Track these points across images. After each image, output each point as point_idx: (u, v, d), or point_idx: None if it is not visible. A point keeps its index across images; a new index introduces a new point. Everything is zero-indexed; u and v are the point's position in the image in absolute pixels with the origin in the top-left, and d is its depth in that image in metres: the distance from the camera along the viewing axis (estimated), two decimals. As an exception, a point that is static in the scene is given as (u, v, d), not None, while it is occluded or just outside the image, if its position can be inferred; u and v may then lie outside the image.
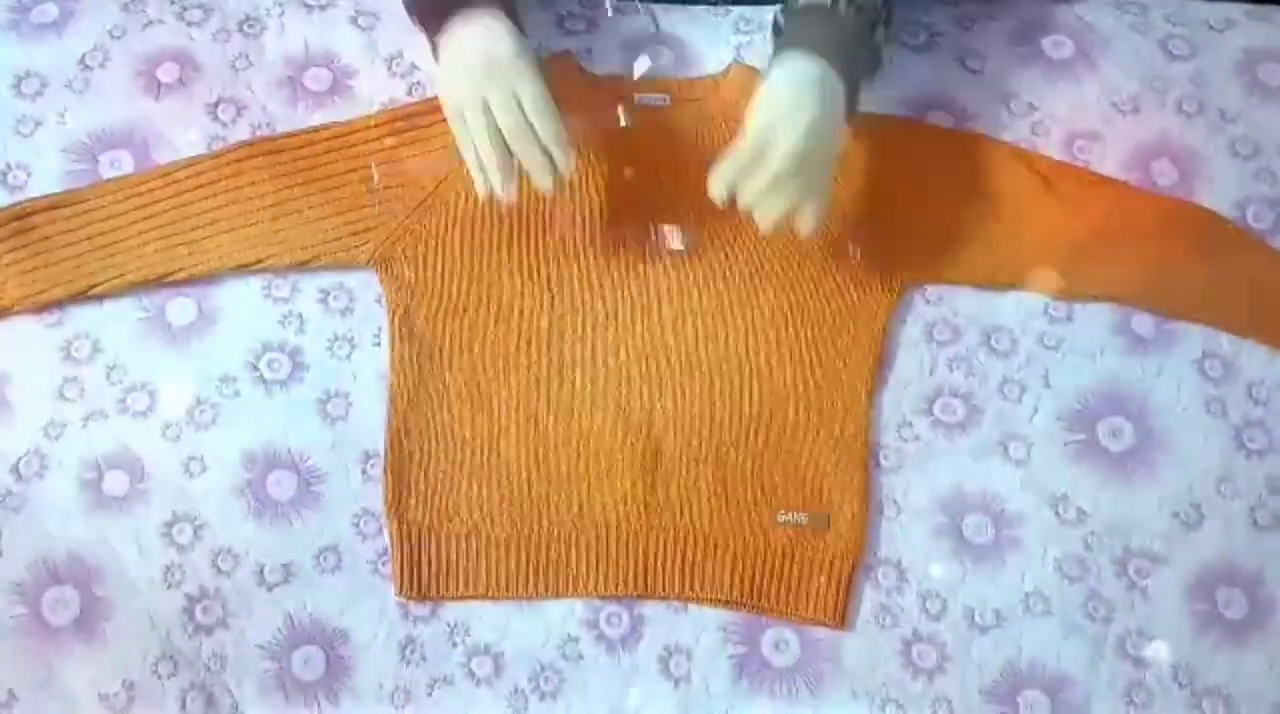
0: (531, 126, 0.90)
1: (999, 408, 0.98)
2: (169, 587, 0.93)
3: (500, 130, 0.90)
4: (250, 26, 1.09)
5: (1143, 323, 0.99)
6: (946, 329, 1.00)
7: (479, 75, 0.90)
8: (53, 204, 1.01)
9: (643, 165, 1.02)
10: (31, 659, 0.91)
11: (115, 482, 0.95)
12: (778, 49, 0.93)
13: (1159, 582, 0.93)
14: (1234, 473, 0.96)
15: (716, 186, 0.89)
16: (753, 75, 1.06)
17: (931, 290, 1.01)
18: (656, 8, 1.11)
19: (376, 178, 1.01)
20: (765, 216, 0.89)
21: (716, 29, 1.10)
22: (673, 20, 1.10)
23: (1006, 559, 0.94)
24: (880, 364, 0.98)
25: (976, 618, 0.93)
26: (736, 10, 1.11)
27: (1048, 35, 1.10)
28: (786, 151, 0.87)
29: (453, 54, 0.93)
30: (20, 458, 0.95)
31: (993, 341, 0.99)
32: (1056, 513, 0.95)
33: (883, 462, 0.96)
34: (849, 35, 0.93)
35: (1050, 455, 0.96)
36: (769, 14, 1.10)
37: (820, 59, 0.90)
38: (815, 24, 0.92)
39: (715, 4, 1.12)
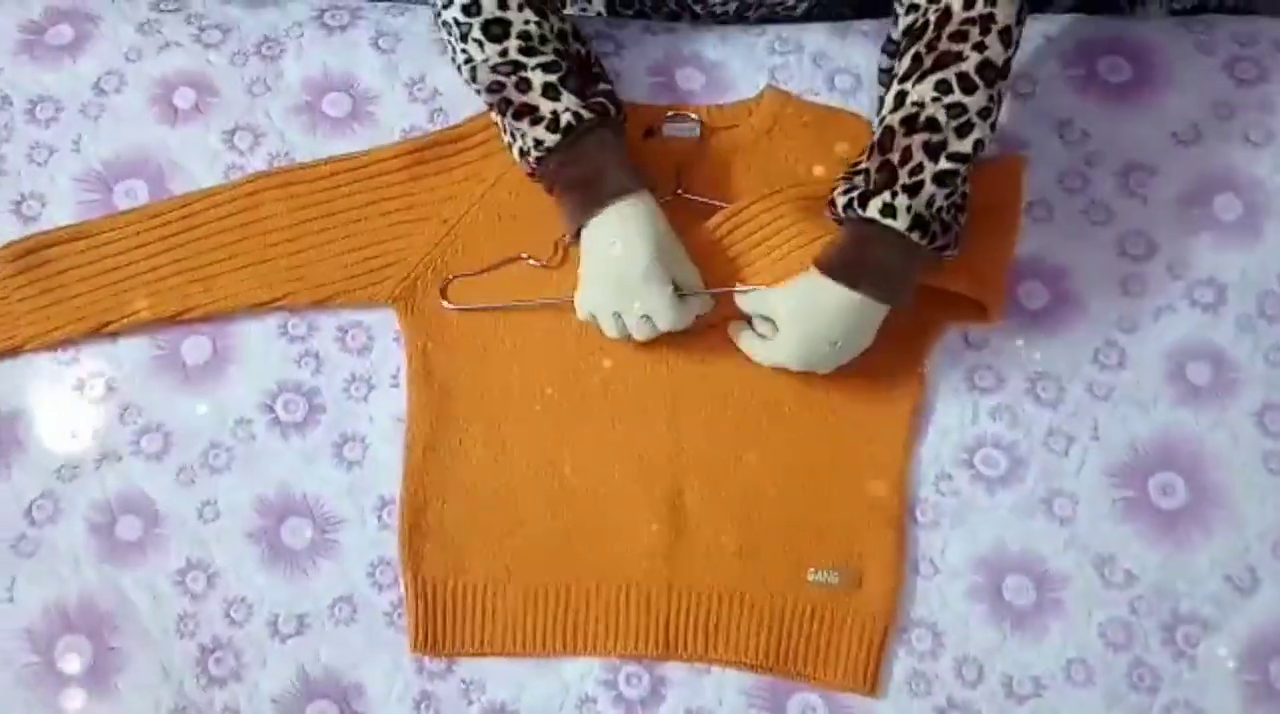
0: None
1: (1044, 461, 0.93)
2: (182, 636, 0.91)
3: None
4: (269, 48, 1.05)
5: (1198, 371, 0.94)
6: (989, 375, 0.95)
7: (614, 292, 0.91)
8: (67, 237, 0.99)
9: (672, 196, 0.98)
10: (43, 710, 0.89)
11: (128, 526, 0.93)
12: (818, 265, 0.88)
13: (1209, 650, 0.88)
14: (1293, 535, 0.90)
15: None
16: (787, 100, 1.01)
17: (974, 333, 0.96)
18: (686, 27, 1.06)
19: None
20: None
21: (751, 50, 1.05)
22: (705, 41, 1.05)
23: (1048, 623, 0.89)
24: (918, 412, 0.94)
25: (1015, 686, 0.88)
26: (772, 30, 1.06)
27: (1104, 57, 1.03)
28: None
29: (594, 258, 0.92)
30: (33, 501, 0.94)
31: (1038, 389, 0.94)
32: (1102, 575, 0.90)
33: (919, 517, 0.92)
34: (916, 254, 0.87)
35: (1097, 513, 0.91)
36: (805, 34, 1.05)
37: (871, 301, 0.87)
38: (876, 251, 0.86)
39: (750, 24, 1.07)
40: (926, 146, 0.84)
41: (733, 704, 0.89)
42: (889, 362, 0.94)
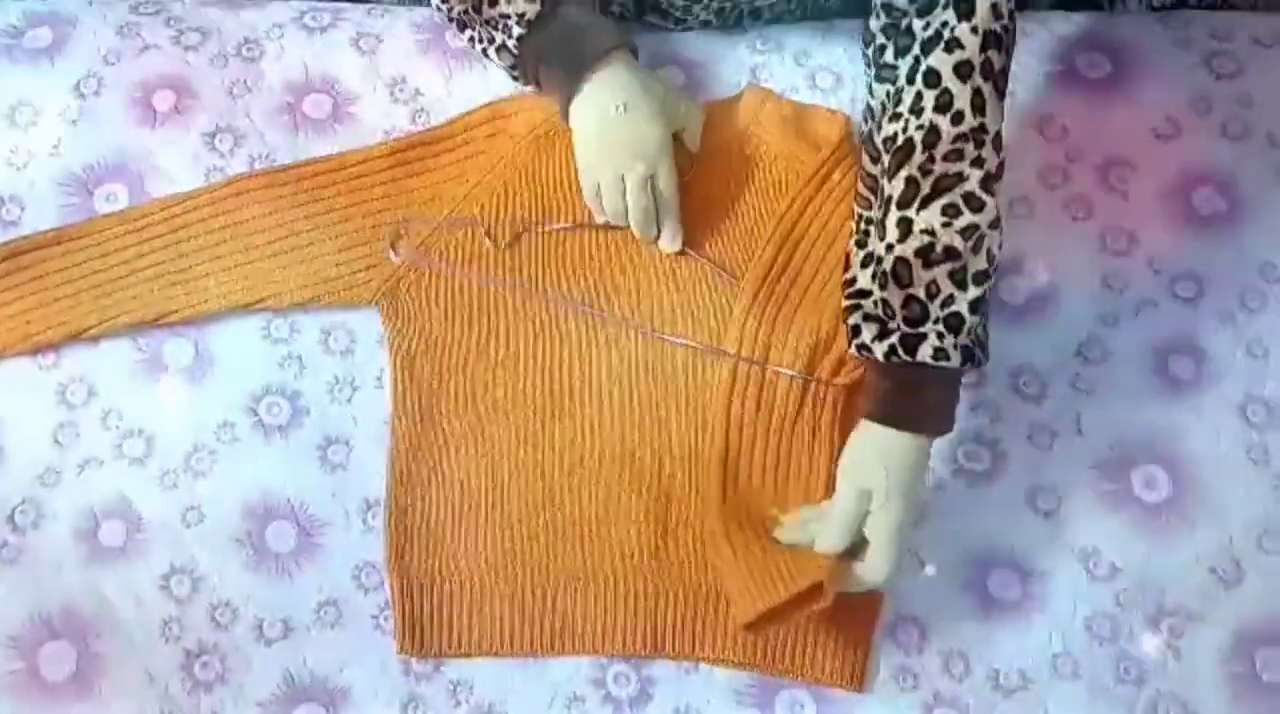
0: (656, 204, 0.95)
1: (1027, 455, 0.93)
2: (167, 641, 0.90)
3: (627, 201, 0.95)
4: (249, 50, 1.05)
5: (1180, 364, 0.94)
6: (972, 370, 0.95)
7: (620, 152, 0.93)
8: (47, 241, 0.98)
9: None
10: (29, 717, 0.89)
11: (112, 531, 0.92)
12: (874, 418, 0.84)
13: (1194, 642, 0.89)
14: (1276, 526, 0.91)
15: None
16: (766, 97, 1.02)
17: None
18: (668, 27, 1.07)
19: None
20: None
21: (732, 49, 1.05)
22: (686, 40, 1.06)
23: (1033, 617, 0.90)
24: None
25: (1001, 679, 0.89)
26: (753, 29, 1.06)
27: (1083, 53, 1.04)
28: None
29: (595, 121, 0.93)
30: (15, 507, 0.93)
31: (1021, 384, 0.95)
32: (1087, 568, 0.90)
33: (904, 512, 0.92)
34: (952, 390, 0.85)
35: (1081, 507, 0.92)
36: (786, 33, 1.06)
37: (924, 438, 0.84)
38: (930, 394, 0.84)
39: (730, 26, 1.07)
40: (953, 277, 0.82)
41: (721, 702, 0.89)
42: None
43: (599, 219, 0.97)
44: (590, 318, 0.95)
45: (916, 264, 0.82)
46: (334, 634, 0.91)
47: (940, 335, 0.82)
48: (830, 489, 0.87)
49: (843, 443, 0.87)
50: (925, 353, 0.82)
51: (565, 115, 0.95)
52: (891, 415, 0.84)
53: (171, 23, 1.07)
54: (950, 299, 0.82)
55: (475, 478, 0.93)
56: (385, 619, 0.91)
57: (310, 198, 0.99)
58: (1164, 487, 0.92)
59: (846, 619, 0.89)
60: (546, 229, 0.98)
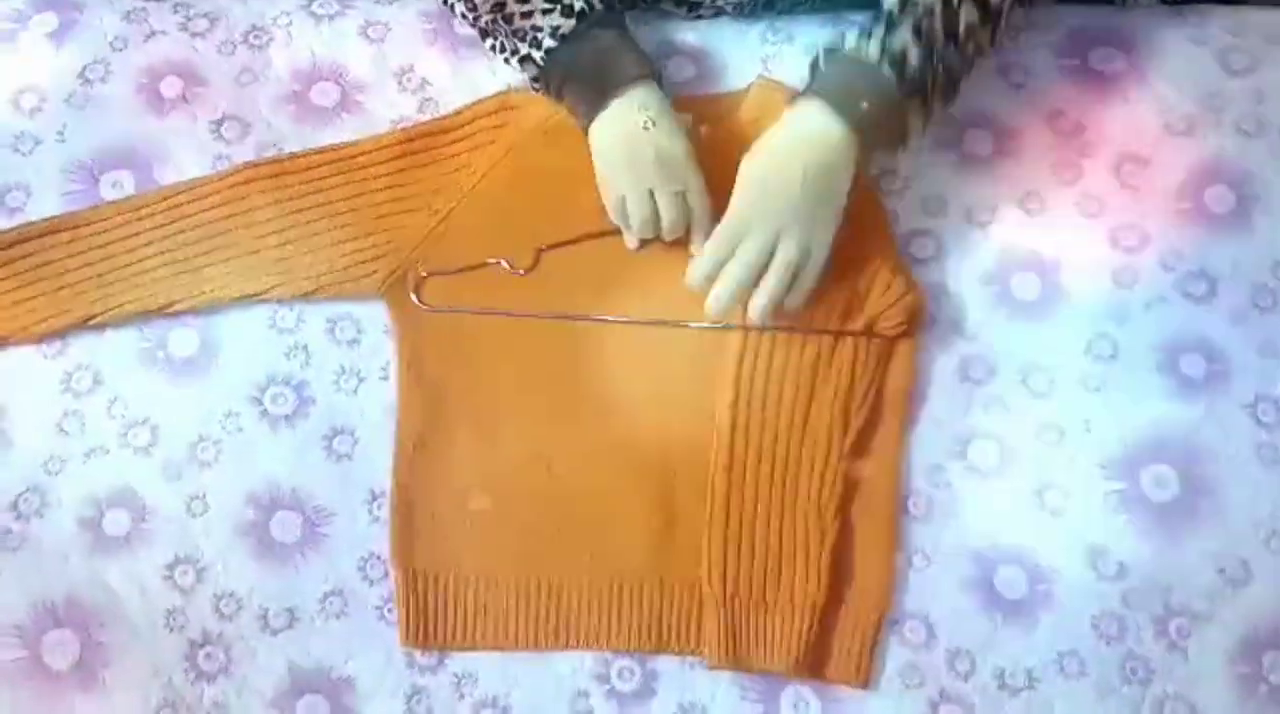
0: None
1: (1036, 453, 0.92)
2: (171, 631, 0.90)
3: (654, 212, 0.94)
4: (256, 37, 1.05)
5: (1192, 363, 0.94)
6: (981, 367, 0.94)
7: (649, 172, 0.92)
8: (52, 228, 0.98)
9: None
10: (31, 706, 0.89)
11: (116, 521, 0.92)
12: (802, 93, 0.89)
13: (1201, 642, 0.88)
14: (1286, 526, 0.90)
15: (693, 278, 0.90)
16: (776, 91, 1.01)
17: (967, 324, 0.95)
18: (678, 17, 1.06)
19: None
20: (752, 309, 0.89)
21: (743, 38, 1.04)
22: (697, 29, 1.05)
23: (1040, 616, 0.89)
24: (910, 403, 0.93)
25: (1007, 678, 0.88)
26: (764, 19, 1.05)
27: (1097, 47, 1.03)
28: (761, 245, 0.88)
29: (622, 138, 0.92)
30: (19, 495, 0.93)
31: (1030, 381, 0.94)
32: (1094, 567, 0.90)
33: (911, 509, 0.91)
34: (883, 98, 0.87)
35: (1089, 505, 0.91)
36: (797, 24, 1.05)
37: (838, 119, 0.86)
38: (848, 77, 0.87)
39: (742, 14, 1.06)
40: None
41: (725, 697, 0.89)
42: (882, 353, 0.93)
43: (630, 242, 0.96)
44: (600, 308, 0.95)
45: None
46: (339, 625, 0.90)
47: (881, 39, 0.86)
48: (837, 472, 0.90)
49: (850, 424, 0.92)
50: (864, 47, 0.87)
51: (585, 130, 0.94)
52: (823, 87, 0.87)
53: (179, 9, 1.06)
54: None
55: (480, 471, 0.92)
56: (390, 611, 0.91)
57: (317, 187, 0.99)
58: (1173, 486, 0.91)
59: (852, 615, 0.89)
60: (568, 244, 0.97)
